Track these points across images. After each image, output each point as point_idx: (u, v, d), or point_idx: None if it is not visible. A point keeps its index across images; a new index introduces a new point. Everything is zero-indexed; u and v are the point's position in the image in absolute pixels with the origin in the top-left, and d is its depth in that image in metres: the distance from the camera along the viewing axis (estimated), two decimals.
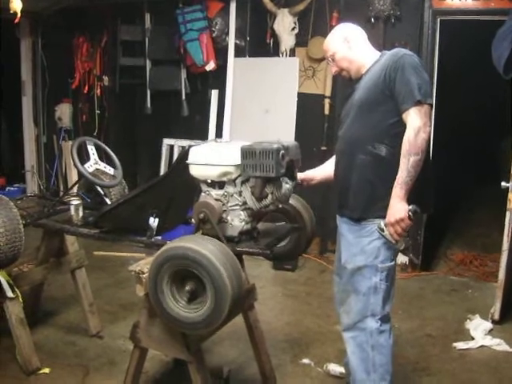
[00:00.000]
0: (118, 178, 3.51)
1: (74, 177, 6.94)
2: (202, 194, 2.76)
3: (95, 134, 7.07)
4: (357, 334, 2.84)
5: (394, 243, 2.64)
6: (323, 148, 5.70)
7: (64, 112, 7.37)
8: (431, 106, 2.58)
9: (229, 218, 2.71)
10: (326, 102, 5.74)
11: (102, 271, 5.29)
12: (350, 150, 2.76)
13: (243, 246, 2.72)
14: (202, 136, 6.08)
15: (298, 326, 4.38)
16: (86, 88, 7.11)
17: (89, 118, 7.26)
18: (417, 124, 2.51)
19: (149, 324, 2.78)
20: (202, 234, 2.70)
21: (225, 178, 2.67)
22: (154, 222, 2.95)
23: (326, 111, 5.75)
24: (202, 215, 2.61)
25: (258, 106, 5.88)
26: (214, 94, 6.21)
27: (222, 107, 6.09)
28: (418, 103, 2.52)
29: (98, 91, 7.07)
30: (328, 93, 5.73)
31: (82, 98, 7.25)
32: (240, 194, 2.70)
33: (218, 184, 2.72)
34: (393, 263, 2.79)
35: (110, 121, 7.12)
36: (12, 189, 7.32)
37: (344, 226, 2.86)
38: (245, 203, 2.70)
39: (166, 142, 6.63)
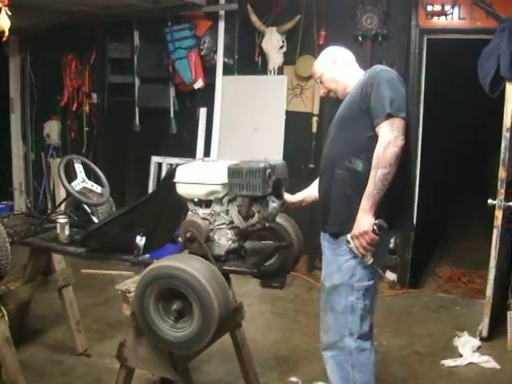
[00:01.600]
0: (105, 196, 3.51)
1: (61, 194, 6.86)
2: (189, 212, 2.76)
3: (83, 151, 7.06)
4: (336, 353, 2.83)
5: (361, 257, 2.64)
6: (311, 165, 5.71)
7: (52, 129, 7.36)
8: (405, 119, 2.57)
9: (216, 236, 2.72)
10: (314, 119, 5.76)
11: (90, 289, 5.26)
12: (329, 166, 2.77)
13: (230, 265, 2.72)
14: (191, 154, 6.10)
15: (286, 343, 4.37)
16: (75, 105, 7.12)
17: (77, 135, 7.25)
18: (387, 138, 2.51)
19: (136, 343, 2.77)
20: (190, 252, 2.70)
21: (212, 197, 2.68)
22: (140, 240, 2.95)
23: (314, 129, 5.77)
24: (188, 234, 2.62)
25: (246, 123, 5.90)
26: (203, 111, 6.23)
27: (211, 125, 6.11)
28: (390, 117, 2.52)
29: (87, 108, 7.08)
30: (316, 111, 5.76)
31: (70, 115, 7.25)
32: (227, 212, 2.70)
33: (205, 203, 2.72)
34: (370, 282, 2.77)
35: (99, 138, 7.12)
36: None
37: (325, 244, 2.85)
38: (232, 222, 2.70)
39: (155, 159, 6.61)
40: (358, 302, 2.74)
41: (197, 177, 2.69)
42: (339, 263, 2.74)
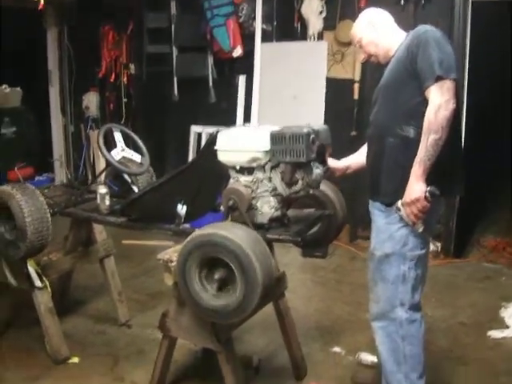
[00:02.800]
0: (145, 165, 3.47)
1: (101, 165, 6.91)
2: (231, 180, 2.71)
3: (122, 122, 7.03)
4: (386, 324, 2.76)
5: (411, 225, 2.56)
6: (353, 133, 5.59)
7: (91, 101, 7.37)
8: (455, 80, 2.45)
9: (258, 204, 2.65)
10: (356, 86, 5.62)
11: (131, 260, 5.28)
12: (379, 134, 2.68)
13: (273, 233, 2.66)
14: (230, 123, 6.00)
15: (328, 313, 4.32)
16: (113, 76, 7.09)
17: (116, 106, 7.24)
18: (437, 101, 2.40)
19: (178, 313, 2.75)
20: (232, 221, 2.65)
21: (254, 164, 2.61)
22: (182, 209, 2.90)
23: (356, 96, 5.63)
24: (230, 202, 2.56)
25: (286, 91, 5.80)
26: (242, 79, 6.14)
27: (250, 93, 6.02)
28: (439, 79, 2.40)
29: (125, 79, 7.05)
30: (357, 77, 5.61)
31: (108, 86, 7.23)
32: (269, 179, 2.64)
33: (247, 170, 2.66)
34: (423, 251, 2.70)
35: (137, 109, 7.10)
36: (41, 178, 7.34)
37: (375, 212, 2.77)
38: (274, 189, 2.64)
39: (194, 129, 6.58)
40: (409, 271, 2.66)
41: (238, 143, 2.63)
42: (391, 232, 2.66)
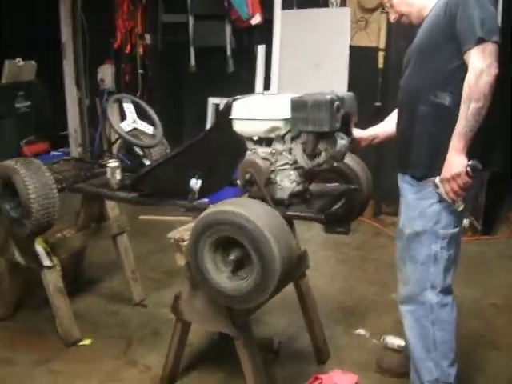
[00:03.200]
0: (157, 137, 3.26)
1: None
2: (248, 152, 2.50)
3: (138, 94, 6.83)
4: (415, 308, 2.57)
5: (451, 202, 2.35)
6: (377, 104, 5.34)
7: (106, 73, 7.16)
8: (498, 44, 2.20)
9: (278, 178, 2.45)
10: (380, 54, 5.35)
11: (147, 236, 5.08)
12: (410, 102, 2.46)
13: (294, 210, 2.45)
14: (249, 93, 5.78)
15: (352, 293, 4.11)
16: (128, 48, 6.87)
17: (132, 78, 7.02)
18: (478, 66, 2.16)
19: (191, 296, 2.57)
20: (249, 196, 2.45)
21: (273, 135, 2.40)
22: (196, 184, 2.70)
23: (380, 65, 5.37)
24: (247, 176, 2.35)
25: (307, 60, 5.55)
26: (261, 49, 5.89)
27: (270, 62, 5.78)
28: (481, 41, 2.16)
29: (141, 50, 6.83)
30: (382, 45, 5.34)
31: (124, 58, 7.00)
32: (290, 151, 2.42)
33: (266, 141, 2.45)
34: (456, 230, 2.48)
35: (154, 80, 6.90)
36: (56, 153, 7.17)
37: (405, 186, 2.56)
38: (295, 162, 2.42)
39: (212, 100, 6.40)
40: (442, 251, 2.46)
41: (256, 112, 2.42)
42: (422, 208, 2.45)
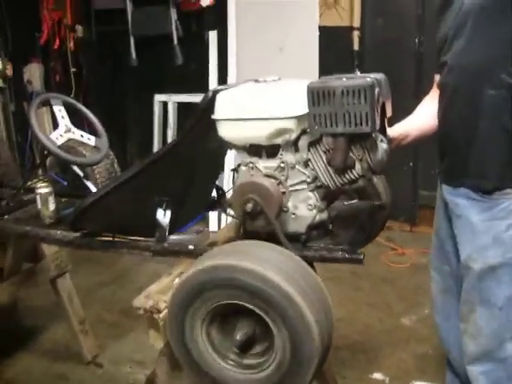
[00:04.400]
0: (102, 150, 2.41)
1: None
2: (243, 168, 1.71)
3: (72, 95, 5.94)
4: (492, 368, 1.86)
5: None
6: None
7: (33, 74, 6.22)
8: None
9: (290, 204, 1.67)
10: (355, 34, 4.65)
11: (97, 262, 4.15)
12: (469, 85, 1.75)
13: (316, 248, 1.69)
14: (202, 88, 4.98)
15: (353, 322, 3.39)
16: (57, 42, 5.95)
17: (63, 77, 6.13)
18: None
19: (172, 378, 1.76)
20: (246, 232, 1.67)
21: (280, 140, 1.62)
22: (164, 216, 1.90)
23: (356, 46, 4.65)
24: (249, 206, 1.56)
25: (270, 44, 4.77)
26: (213, 35, 5.08)
27: (225, 50, 4.97)
28: None
29: (72, 45, 5.91)
30: (356, 23, 4.63)
31: (53, 55, 6.09)
32: (306, 164, 1.65)
33: (268, 150, 1.67)
34: None
35: (89, 79, 6.03)
36: None
37: (460, 203, 1.83)
38: (315, 179, 1.65)
39: (158, 98, 5.60)
40: None
41: (253, 108, 1.63)
42: (496, 232, 1.75)
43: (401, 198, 4.02)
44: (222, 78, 5.03)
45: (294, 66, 4.61)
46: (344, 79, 1.52)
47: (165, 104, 5.60)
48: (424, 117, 2.02)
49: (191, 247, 1.84)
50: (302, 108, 1.55)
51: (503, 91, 1.67)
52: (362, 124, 1.47)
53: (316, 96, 1.51)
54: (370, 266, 4.10)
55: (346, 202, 2.01)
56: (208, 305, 1.43)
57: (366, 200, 2.08)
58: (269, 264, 1.37)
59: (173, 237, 1.97)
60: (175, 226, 1.98)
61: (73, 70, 6.04)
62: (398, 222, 4.80)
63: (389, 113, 1.72)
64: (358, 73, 1.70)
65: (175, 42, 5.23)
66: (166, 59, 5.31)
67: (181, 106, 5.55)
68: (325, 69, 4.63)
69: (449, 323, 2.12)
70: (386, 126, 1.77)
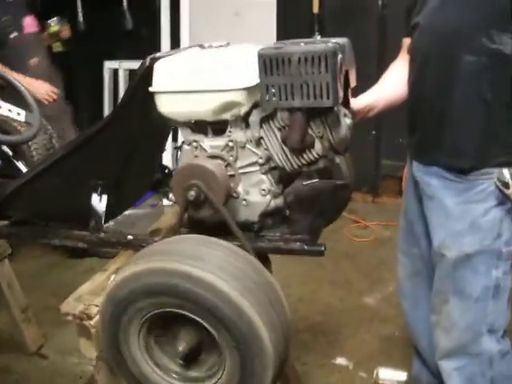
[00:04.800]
0: (34, 125, 2.14)
1: None
2: (185, 147, 1.50)
3: None
4: (466, 363, 1.72)
5: None
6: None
7: None
8: None
9: (240, 189, 1.46)
10: None
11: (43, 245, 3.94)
12: (444, 49, 1.56)
13: (270, 239, 1.49)
14: (157, 52, 4.71)
15: (314, 302, 3.22)
16: None
17: None
18: None
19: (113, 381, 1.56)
20: (192, 221, 1.47)
21: (227, 115, 1.41)
22: (100, 201, 1.68)
23: (315, 9, 4.38)
24: (192, 193, 1.35)
25: (224, 8, 4.52)
26: None
27: (177, 14, 4.68)
28: None
29: None
30: None
31: None
32: (258, 142, 1.44)
33: (214, 127, 1.46)
34: None
35: None
36: None
37: (433, 183, 1.66)
38: (269, 160, 1.45)
39: (108, 65, 5.30)
40: (505, 277, 1.63)
41: (196, 78, 1.40)
42: (473, 216, 1.58)
43: (363, 168, 3.86)
44: (176, 44, 4.75)
45: (250, 31, 4.38)
46: (302, 44, 1.31)
47: (115, 71, 5.29)
48: (392, 85, 1.83)
49: (130, 237, 1.62)
50: (253, 78, 1.34)
51: (483, 58, 1.48)
52: (322, 97, 1.27)
53: (269, 64, 1.30)
54: (332, 240, 3.92)
55: (304, 183, 1.84)
56: (143, 314, 1.23)
57: (327, 179, 1.91)
58: (211, 266, 1.17)
59: (127, 212, 1.75)
60: (115, 211, 1.77)
61: None
62: (360, 192, 4.62)
63: (353, 82, 1.52)
64: (319, 37, 1.47)
65: (125, 5, 4.93)
66: (115, 24, 5.00)
67: (132, 74, 5.25)
68: (283, 34, 4.42)
69: (417, 312, 1.97)
70: (350, 97, 1.57)
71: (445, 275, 1.67)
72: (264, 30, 4.43)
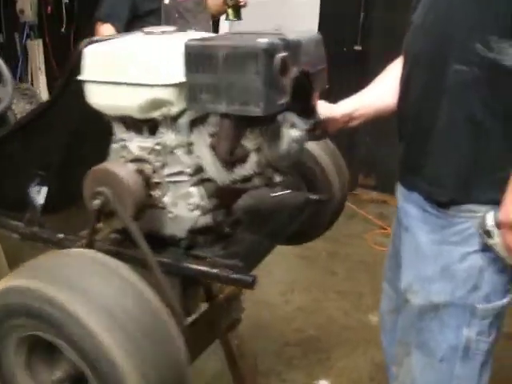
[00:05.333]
0: (4, 100, 2.00)
1: (42, 83, 5.61)
2: (114, 145, 1.31)
3: (63, 29, 5.56)
4: None
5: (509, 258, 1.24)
6: (357, 48, 4.04)
7: (26, 2, 5.80)
8: None
9: (167, 200, 1.26)
10: None
11: None
12: (434, 54, 1.29)
13: (199, 262, 1.28)
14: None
15: (315, 313, 3.00)
16: None
17: (54, 9, 5.70)
18: None
19: None
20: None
21: (156, 114, 1.21)
22: (38, 192, 1.52)
23: None
24: (97, 202, 1.16)
25: None
26: None
27: None
28: None
29: None
30: None
31: None
32: (190, 148, 1.23)
33: (147, 125, 1.26)
34: (506, 300, 1.35)
35: (82, 12, 5.57)
36: None
37: (413, 213, 1.41)
38: (199, 170, 1.24)
39: None
40: (479, 339, 1.33)
41: (123, 69, 1.21)
42: (448, 260, 1.32)
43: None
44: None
45: (293, 14, 4.14)
46: (237, 38, 1.09)
47: None
48: (383, 91, 1.56)
49: (60, 236, 1.46)
50: (180, 74, 1.13)
51: (475, 69, 1.21)
52: (250, 103, 1.05)
53: (194, 60, 1.09)
54: (350, 246, 3.72)
55: (272, 194, 1.63)
56: (17, 334, 1.06)
57: (301, 191, 1.71)
58: (81, 293, 0.98)
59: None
60: (57, 205, 1.60)
61: (65, 1, 5.62)
62: (394, 195, 4.34)
63: (321, 85, 1.29)
64: (282, 28, 1.25)
65: None
66: None
67: None
68: (324, 19, 4.16)
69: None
70: (315, 102, 1.34)
71: (408, 324, 1.42)
72: (307, 12, 4.16)
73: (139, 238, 1.14)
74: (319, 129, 1.38)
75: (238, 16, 3.21)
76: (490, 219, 1.21)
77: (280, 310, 2.96)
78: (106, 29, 2.70)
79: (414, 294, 1.38)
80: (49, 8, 5.76)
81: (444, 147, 1.29)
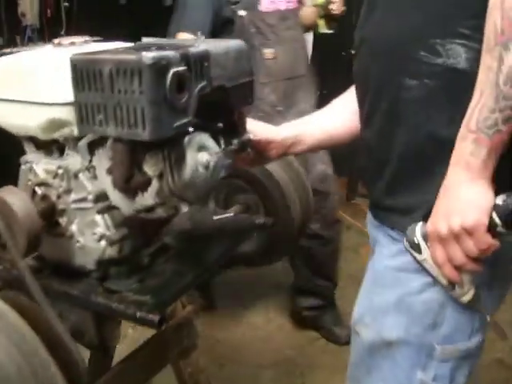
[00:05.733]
0: None
1: None
2: (22, 167, 1.20)
3: (63, 32, 5.48)
4: None
5: (446, 284, 1.07)
6: (354, 51, 3.86)
7: (28, 5, 5.77)
8: None
9: (74, 228, 1.15)
10: None
11: None
12: (383, 74, 1.15)
13: (109, 296, 1.16)
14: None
15: (296, 334, 2.88)
16: None
17: (54, 12, 5.64)
18: None
19: None
20: None
21: (57, 135, 1.10)
22: None
23: None
24: None
25: None
26: None
27: None
28: None
29: None
30: None
31: None
32: (94, 173, 1.12)
33: (57, 147, 1.15)
34: (474, 342, 1.17)
35: (79, 16, 5.51)
36: None
37: (379, 237, 1.26)
38: (104, 197, 1.12)
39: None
40: None
41: (21, 85, 1.11)
42: (404, 291, 1.15)
43: None
44: None
45: None
46: (127, 50, 0.97)
47: None
48: (336, 116, 1.43)
49: None
50: (71, 93, 1.02)
51: (425, 80, 1.06)
52: (136, 127, 0.93)
53: (80, 75, 0.97)
54: (344, 260, 3.54)
55: (215, 217, 1.50)
56: None
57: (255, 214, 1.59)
58: None
59: None
60: None
61: (65, 4, 5.56)
62: None
63: (244, 100, 1.17)
64: (202, 38, 1.10)
65: None
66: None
67: None
68: None
69: (370, 380, 1.58)
70: (241, 120, 1.21)
71: (359, 360, 1.26)
72: None
73: (31, 281, 1.02)
74: (251, 149, 1.25)
75: (330, 27, 2.91)
76: (418, 231, 1.06)
77: (260, 331, 2.84)
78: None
79: (364, 328, 1.22)
80: (48, 11, 5.72)
81: (399, 172, 1.15)
